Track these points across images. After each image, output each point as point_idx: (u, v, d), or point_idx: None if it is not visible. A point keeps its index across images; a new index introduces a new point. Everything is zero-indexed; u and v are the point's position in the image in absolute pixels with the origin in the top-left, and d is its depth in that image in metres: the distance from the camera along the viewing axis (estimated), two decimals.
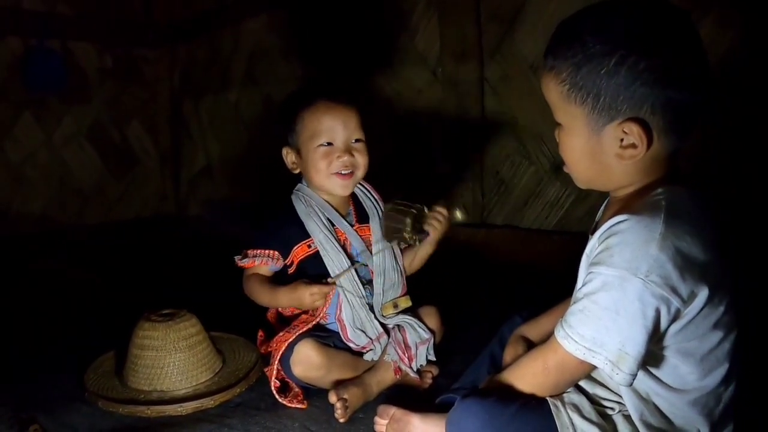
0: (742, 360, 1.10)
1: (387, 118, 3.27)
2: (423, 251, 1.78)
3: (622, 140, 1.04)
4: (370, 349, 1.66)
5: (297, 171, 1.77)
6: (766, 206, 2.09)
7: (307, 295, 1.58)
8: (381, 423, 1.33)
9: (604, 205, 1.25)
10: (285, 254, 1.70)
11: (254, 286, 1.70)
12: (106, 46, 4.20)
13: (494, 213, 3.03)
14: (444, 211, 1.71)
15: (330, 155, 1.67)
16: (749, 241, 2.00)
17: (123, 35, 4.28)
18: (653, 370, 1.07)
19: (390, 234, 1.69)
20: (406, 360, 1.63)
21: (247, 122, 4.15)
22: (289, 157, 1.77)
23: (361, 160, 1.70)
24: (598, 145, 1.07)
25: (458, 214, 1.72)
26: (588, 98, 1.04)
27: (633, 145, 1.04)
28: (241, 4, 3.96)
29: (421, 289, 1.83)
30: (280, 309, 1.79)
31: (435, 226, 1.70)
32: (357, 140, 1.70)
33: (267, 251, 1.69)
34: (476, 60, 2.94)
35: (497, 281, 2.65)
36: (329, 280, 1.63)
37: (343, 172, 1.68)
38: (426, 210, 1.69)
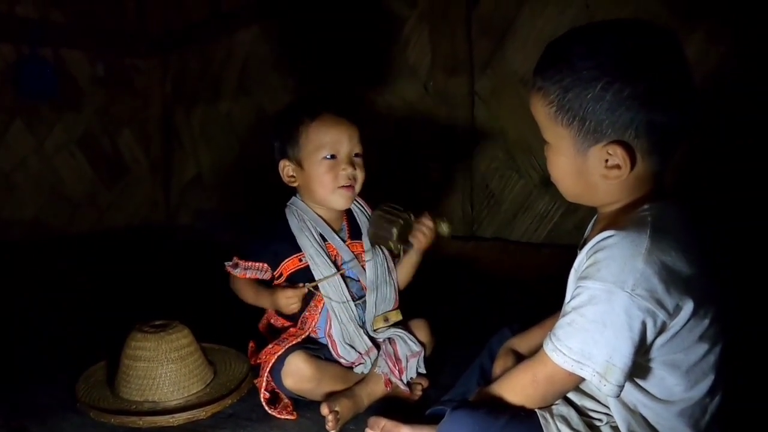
0: (729, 371, 1.12)
1: (377, 131, 3.28)
2: (408, 262, 1.80)
3: (606, 161, 1.07)
4: (361, 363, 1.67)
5: (294, 184, 1.76)
6: (756, 218, 2.10)
7: (282, 298, 1.63)
8: None
9: (592, 221, 1.27)
10: (274, 266, 1.72)
11: (241, 285, 1.76)
12: (98, 55, 4.20)
13: (484, 226, 3.06)
14: (430, 223, 1.71)
15: (335, 168, 1.68)
16: (738, 253, 2.02)
17: (115, 44, 4.28)
18: (640, 382, 1.09)
19: (376, 240, 1.72)
20: (396, 373, 1.64)
21: (239, 132, 4.16)
22: (286, 170, 1.75)
23: (360, 175, 1.71)
24: (583, 165, 1.10)
25: (444, 228, 1.71)
26: (574, 121, 1.07)
27: (617, 166, 1.06)
28: (233, 15, 3.98)
29: (410, 302, 1.84)
30: (272, 320, 1.80)
31: (419, 238, 1.71)
32: (357, 154, 1.71)
33: (257, 264, 1.72)
34: (467, 74, 2.97)
35: (486, 294, 2.66)
36: (303, 285, 1.66)
37: (346, 184, 1.69)
38: (413, 219, 1.70)
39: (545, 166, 1.20)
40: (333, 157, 1.68)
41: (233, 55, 4.08)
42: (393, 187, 3.15)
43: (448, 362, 1.83)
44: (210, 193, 4.42)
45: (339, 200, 1.71)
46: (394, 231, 1.65)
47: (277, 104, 3.84)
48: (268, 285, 1.75)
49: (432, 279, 1.93)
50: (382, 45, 3.28)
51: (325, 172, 1.68)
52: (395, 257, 1.81)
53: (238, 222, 3.95)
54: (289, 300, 1.63)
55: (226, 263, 1.76)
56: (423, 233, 1.71)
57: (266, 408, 1.58)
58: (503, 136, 2.94)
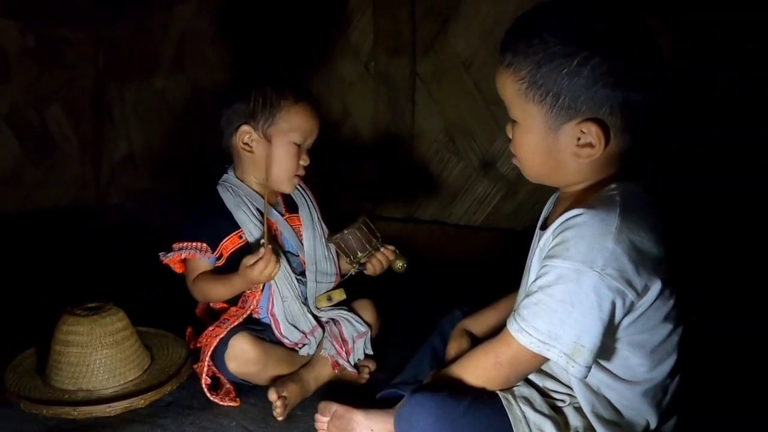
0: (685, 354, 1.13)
1: None
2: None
3: (579, 139, 1.05)
4: (305, 344, 1.63)
5: (249, 153, 1.66)
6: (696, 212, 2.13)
7: (254, 269, 1.49)
8: (322, 420, 1.30)
9: (552, 200, 1.26)
10: (213, 246, 1.63)
11: (206, 284, 1.62)
12: (28, 25, 3.94)
13: (422, 208, 3.05)
14: (391, 256, 1.65)
15: (297, 156, 1.65)
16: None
17: (47, 14, 4.00)
18: (604, 363, 1.08)
19: (338, 245, 1.64)
20: (343, 354, 1.61)
21: (173, 110, 4.03)
22: (247, 136, 1.64)
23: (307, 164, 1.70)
24: (554, 143, 1.07)
25: (399, 265, 1.67)
26: (547, 97, 1.03)
27: (590, 144, 1.04)
28: None
29: (352, 283, 1.78)
30: (211, 304, 1.73)
31: (375, 267, 1.64)
32: (310, 145, 1.70)
33: (194, 243, 1.62)
34: (409, 55, 2.94)
35: (424, 276, 2.65)
36: (261, 243, 1.53)
37: (301, 173, 1.67)
38: (379, 247, 1.64)
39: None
40: (299, 145, 1.65)
41: (169, 29, 3.92)
42: (331, 168, 3.12)
43: (392, 345, 1.81)
44: (142, 172, 4.27)
45: (289, 186, 1.68)
46: (360, 256, 1.61)
47: (213, 81, 3.73)
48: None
49: None
50: (323, 23, 3.21)
51: (292, 158, 1.64)
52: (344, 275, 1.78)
53: (170, 203, 3.84)
54: (261, 267, 1.48)
55: (160, 254, 1.66)
56: (380, 264, 1.64)
57: (208, 395, 1.53)
58: (444, 119, 2.94)
